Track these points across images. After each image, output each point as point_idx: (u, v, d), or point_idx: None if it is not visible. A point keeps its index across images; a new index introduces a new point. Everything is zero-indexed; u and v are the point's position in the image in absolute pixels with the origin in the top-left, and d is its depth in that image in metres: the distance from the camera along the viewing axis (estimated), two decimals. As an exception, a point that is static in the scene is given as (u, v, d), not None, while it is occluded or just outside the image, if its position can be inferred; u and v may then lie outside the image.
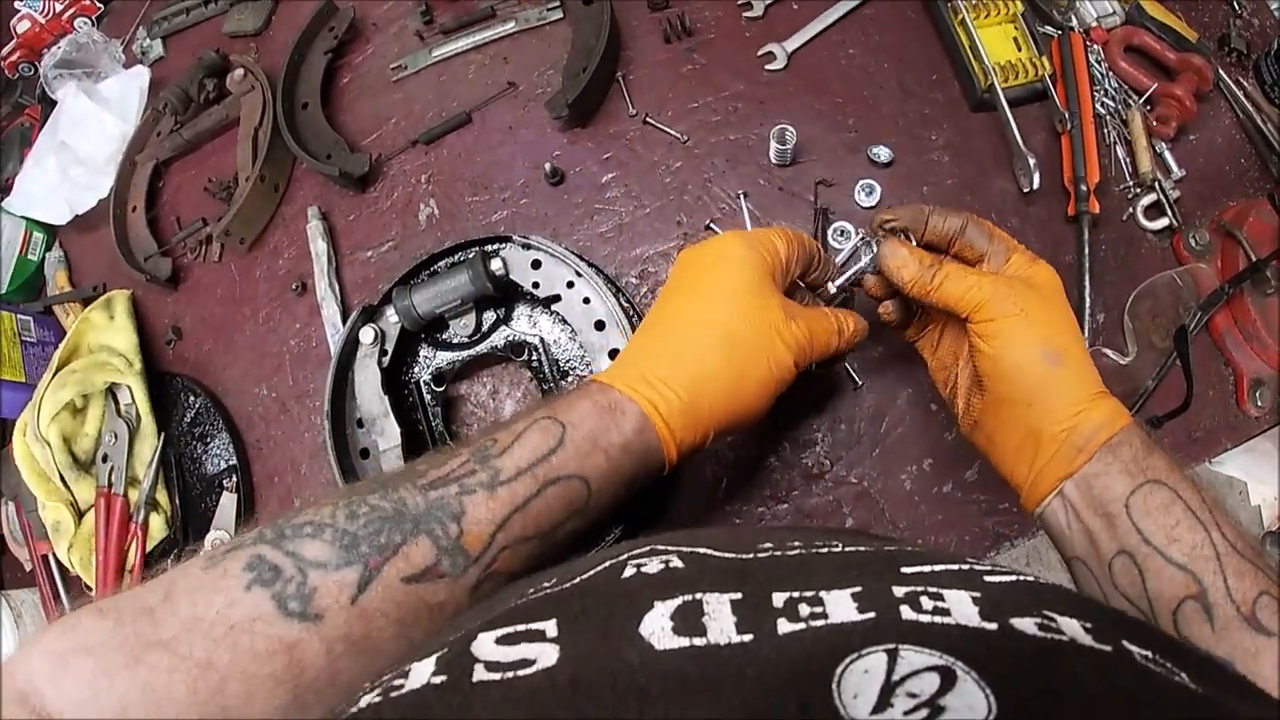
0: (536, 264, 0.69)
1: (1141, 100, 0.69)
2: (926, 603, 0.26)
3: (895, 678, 0.22)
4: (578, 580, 0.31)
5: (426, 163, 0.79)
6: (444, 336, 0.73)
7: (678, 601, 0.27)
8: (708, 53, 0.76)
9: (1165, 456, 0.46)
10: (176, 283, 0.87)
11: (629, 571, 0.30)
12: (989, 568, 0.30)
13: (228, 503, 0.80)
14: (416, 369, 0.74)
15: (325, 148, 0.80)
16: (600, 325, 0.67)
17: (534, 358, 0.70)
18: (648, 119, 0.75)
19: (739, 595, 0.27)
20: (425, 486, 0.40)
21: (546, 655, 0.25)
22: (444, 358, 0.73)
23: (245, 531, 0.39)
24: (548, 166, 0.74)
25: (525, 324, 0.72)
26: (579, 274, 0.67)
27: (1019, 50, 0.71)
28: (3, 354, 0.87)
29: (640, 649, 0.25)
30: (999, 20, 0.72)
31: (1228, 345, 0.65)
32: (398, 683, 0.25)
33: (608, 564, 0.32)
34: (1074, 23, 0.71)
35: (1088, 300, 0.66)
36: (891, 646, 0.23)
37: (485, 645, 0.26)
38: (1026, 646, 0.24)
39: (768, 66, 0.75)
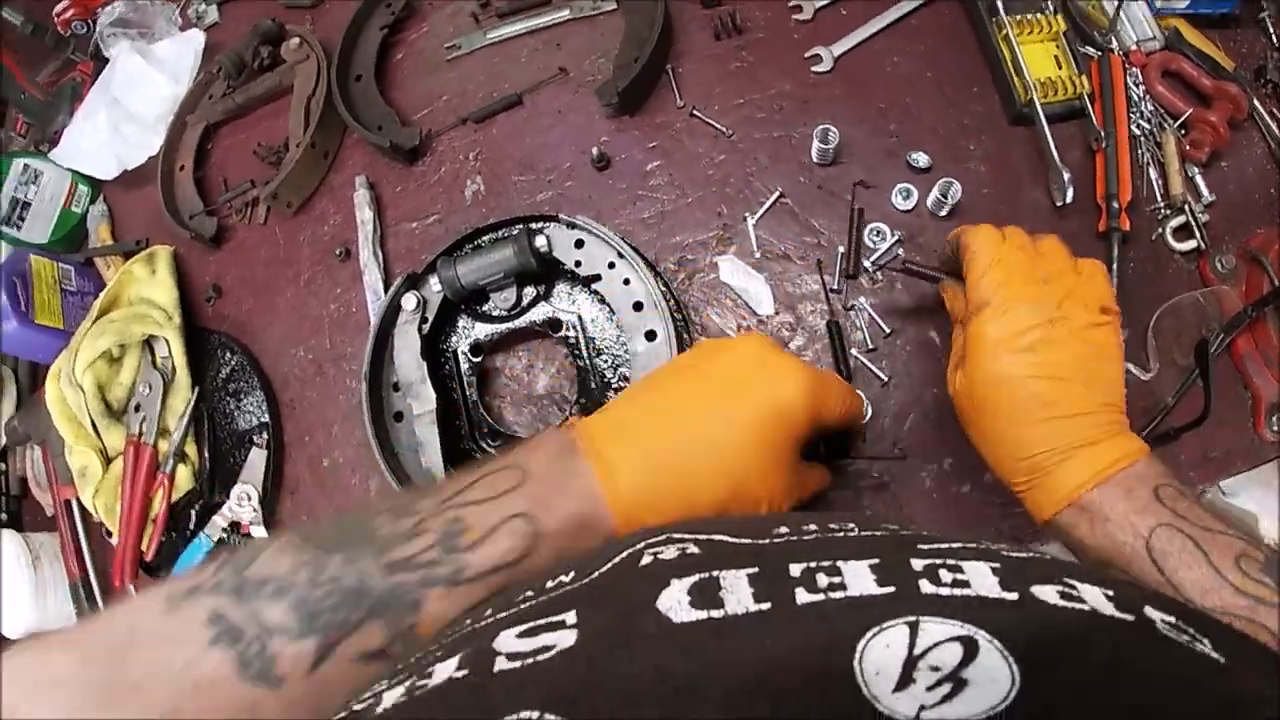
0: (580, 243, 0.71)
1: (1176, 124, 0.71)
2: (945, 575, 0.26)
3: (917, 651, 0.22)
4: (596, 575, 0.32)
5: (475, 140, 0.82)
6: (484, 308, 0.75)
7: (694, 578, 0.27)
8: (756, 51, 0.78)
9: (1186, 498, 0.46)
10: (220, 242, 0.89)
11: (646, 559, 0.31)
12: (1006, 546, 0.30)
13: (256, 458, 0.82)
14: (455, 339, 0.76)
15: (376, 120, 0.83)
16: (639, 306, 0.69)
17: (571, 335, 0.72)
18: (694, 111, 0.77)
19: (755, 570, 0.28)
20: (388, 566, 0.39)
21: (565, 639, 0.26)
22: (483, 329, 0.74)
23: (205, 568, 0.39)
24: (595, 151, 0.76)
25: (564, 301, 0.74)
26: (621, 255, 0.69)
27: (1059, 68, 0.73)
28: (43, 300, 0.89)
29: (658, 621, 0.26)
30: (1042, 38, 0.74)
31: (1248, 369, 0.67)
32: (422, 682, 0.26)
33: (626, 554, 0.32)
34: (1114, 45, 0.73)
35: (1113, 314, 0.68)
36: (913, 619, 0.23)
37: (507, 640, 0.27)
38: (1048, 615, 0.24)
39: (814, 68, 0.77)
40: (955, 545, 0.29)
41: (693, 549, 0.31)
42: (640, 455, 0.44)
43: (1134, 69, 0.72)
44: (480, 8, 0.85)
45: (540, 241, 0.70)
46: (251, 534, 0.81)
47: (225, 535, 0.81)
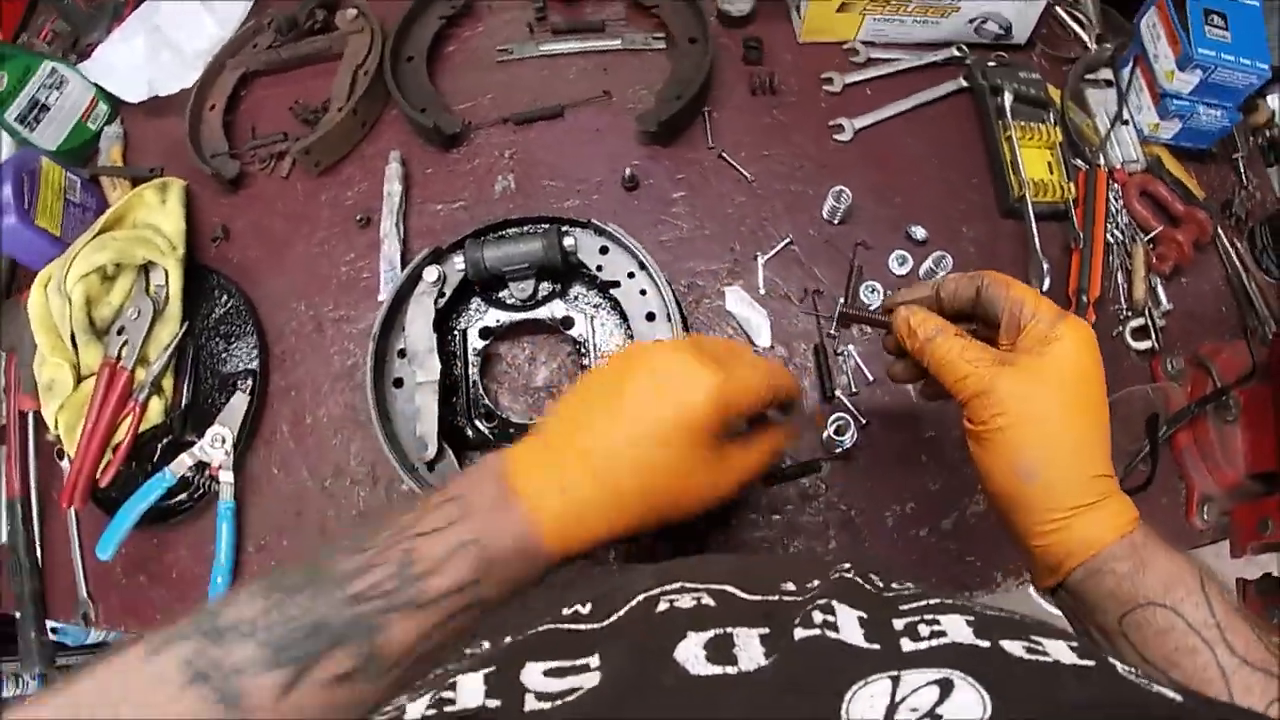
0: (604, 250, 0.75)
1: (1147, 238, 0.80)
2: (924, 629, 0.29)
3: (898, 698, 0.25)
4: (615, 618, 0.34)
5: (513, 141, 0.86)
6: (499, 295, 0.78)
7: (710, 634, 0.30)
8: (787, 112, 0.85)
9: (1167, 564, 0.44)
10: (237, 186, 0.91)
11: (663, 605, 0.33)
12: (981, 603, 0.32)
13: (239, 403, 0.81)
14: (464, 320, 0.79)
15: (422, 101, 0.87)
16: (651, 317, 0.73)
17: (581, 335, 0.76)
18: (723, 154, 0.83)
19: (766, 630, 0.30)
20: (348, 599, 0.41)
21: (590, 680, 0.28)
22: (495, 315, 0.78)
23: (181, 620, 0.41)
24: (627, 172, 0.81)
25: (578, 302, 0.78)
26: (642, 267, 0.74)
27: (1051, 173, 0.82)
28: (46, 204, 0.87)
29: (676, 673, 0.28)
30: (1039, 144, 0.82)
31: (1185, 462, 0.74)
32: (448, 695, 0.28)
33: (642, 598, 0.34)
34: (1102, 161, 0.82)
35: (1072, 396, 0.75)
36: (895, 674, 0.26)
37: (534, 676, 0.29)
38: (1017, 661, 0.27)
39: (836, 136, 0.84)
40: (933, 601, 0.31)
41: (707, 600, 0.33)
42: (559, 485, 0.45)
43: (1116, 185, 0.82)
44: (536, 20, 0.90)
45: (569, 241, 0.74)
46: (219, 478, 0.79)
47: (190, 475, 0.80)
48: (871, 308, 0.77)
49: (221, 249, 0.89)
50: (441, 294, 0.76)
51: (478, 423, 0.75)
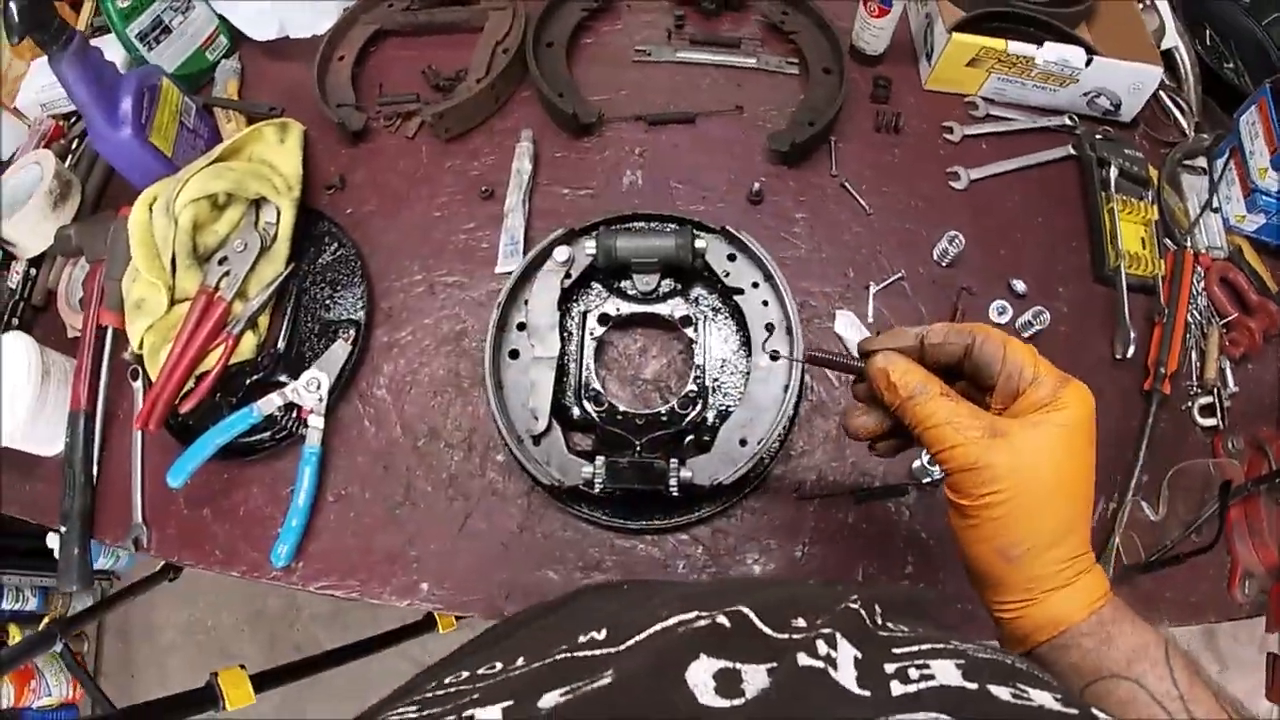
0: (732, 257, 0.79)
1: (1221, 322, 0.85)
2: (914, 673, 0.29)
3: None
4: (629, 644, 0.34)
5: (644, 140, 0.89)
6: (622, 285, 0.81)
7: (720, 665, 0.30)
8: (907, 153, 0.90)
9: (1132, 637, 0.44)
10: (359, 139, 0.92)
11: (680, 630, 0.34)
12: (973, 645, 0.32)
13: (339, 351, 0.82)
14: (583, 303, 0.81)
15: (559, 87, 0.89)
16: (770, 328, 0.76)
17: (696, 335, 0.79)
18: (845, 184, 0.87)
19: (774, 665, 0.31)
20: None
21: (604, 680, 0.30)
22: (616, 304, 0.80)
23: None
24: (755, 186, 0.85)
25: (696, 303, 0.81)
26: (768, 279, 0.77)
27: (1144, 248, 0.87)
28: (162, 122, 0.87)
29: (686, 698, 0.29)
30: (1136, 220, 0.88)
31: (1234, 536, 0.80)
32: (467, 714, 0.29)
33: (659, 628, 0.34)
34: (1189, 244, 0.88)
35: (1140, 460, 0.80)
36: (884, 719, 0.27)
37: (549, 700, 0.29)
38: (1001, 706, 0.28)
39: (951, 183, 0.89)
40: (925, 647, 0.31)
41: (721, 619, 0.33)
42: None
43: (1199, 268, 0.87)
44: (675, 27, 0.94)
45: (700, 244, 0.77)
46: (309, 422, 0.80)
47: (278, 414, 0.80)
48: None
49: (335, 198, 0.91)
50: (568, 274, 0.78)
51: (586, 404, 0.78)
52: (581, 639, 0.34)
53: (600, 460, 0.71)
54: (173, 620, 2.03)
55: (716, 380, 0.78)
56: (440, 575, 0.76)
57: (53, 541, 1.69)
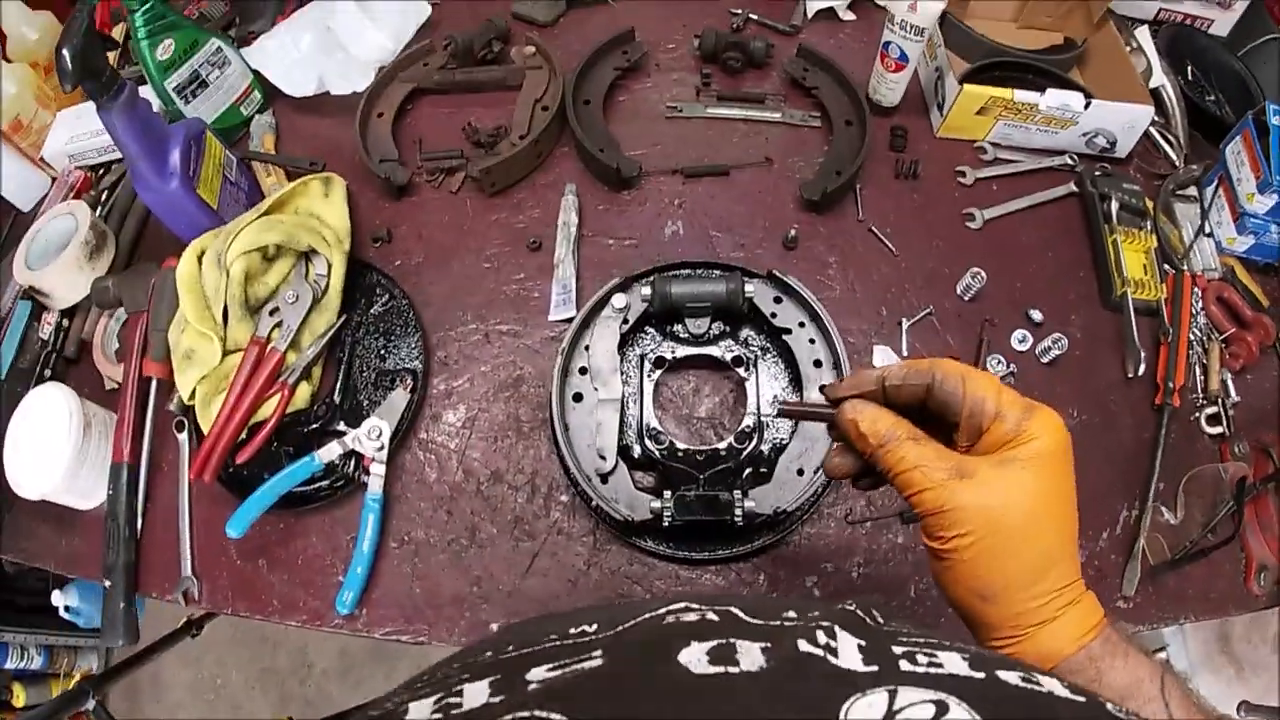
0: (778, 299, 0.84)
1: (1221, 338, 0.93)
2: (922, 659, 0.29)
3: (895, 708, 0.25)
4: (619, 630, 0.35)
5: (681, 191, 0.95)
6: (674, 329, 0.86)
7: (713, 643, 0.30)
8: (925, 196, 0.97)
9: (1125, 670, 0.43)
10: (403, 193, 0.96)
11: (669, 619, 0.35)
12: (977, 646, 0.34)
13: (398, 399, 0.85)
14: (638, 348, 0.86)
15: (600, 142, 0.95)
16: (818, 364, 0.82)
17: (747, 374, 0.84)
18: (871, 228, 0.94)
19: (768, 644, 0.31)
20: None
21: (593, 661, 0.30)
22: (670, 347, 0.85)
23: None
24: (791, 232, 0.91)
25: (746, 344, 0.86)
26: (814, 318, 0.83)
27: (1146, 273, 0.95)
28: (208, 175, 0.89)
29: (679, 672, 0.29)
30: (1137, 248, 0.95)
31: (1247, 532, 0.87)
32: (455, 700, 0.29)
33: (648, 616, 0.35)
34: (1186, 268, 0.96)
35: (1157, 469, 0.86)
36: (893, 688, 0.26)
37: (538, 673, 0.30)
38: (1013, 690, 0.28)
39: (968, 223, 0.96)
40: (931, 640, 0.31)
41: (711, 615, 0.34)
42: None
43: (1197, 289, 0.95)
44: (703, 85, 1.00)
45: (750, 288, 0.83)
46: (370, 470, 0.82)
47: (338, 463, 0.82)
48: (998, 375, 0.88)
49: (382, 250, 0.95)
50: (625, 320, 0.83)
51: (648, 442, 0.82)
52: (573, 630, 0.35)
53: (668, 495, 0.76)
54: (180, 679, 2.01)
55: (769, 415, 0.83)
56: (509, 615, 0.78)
57: (58, 599, 1.67)
